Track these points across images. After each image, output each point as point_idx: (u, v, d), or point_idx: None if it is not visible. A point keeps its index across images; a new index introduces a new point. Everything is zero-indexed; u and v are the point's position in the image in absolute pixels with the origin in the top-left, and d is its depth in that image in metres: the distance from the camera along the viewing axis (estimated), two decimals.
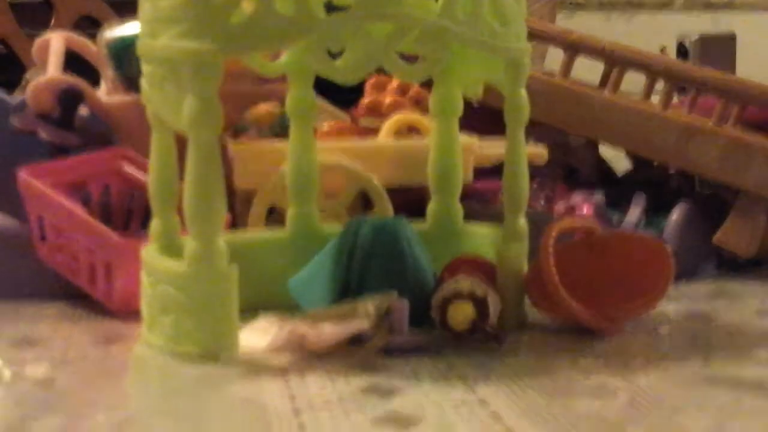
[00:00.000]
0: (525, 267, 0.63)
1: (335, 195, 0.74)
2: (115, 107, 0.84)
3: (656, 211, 0.81)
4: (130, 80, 0.83)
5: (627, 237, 0.67)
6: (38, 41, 0.92)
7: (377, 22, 0.58)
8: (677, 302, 0.68)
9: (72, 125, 0.82)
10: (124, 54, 0.83)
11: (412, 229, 0.64)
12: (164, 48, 0.56)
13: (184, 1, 0.55)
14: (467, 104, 0.72)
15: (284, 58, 0.68)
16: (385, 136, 0.79)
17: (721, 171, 0.78)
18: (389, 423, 0.46)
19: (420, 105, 0.82)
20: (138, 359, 0.57)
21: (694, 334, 0.61)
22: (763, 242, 0.77)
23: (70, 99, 0.82)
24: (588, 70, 0.94)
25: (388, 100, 0.83)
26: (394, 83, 0.84)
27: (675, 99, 0.84)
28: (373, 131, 0.81)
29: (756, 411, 0.48)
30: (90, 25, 1.13)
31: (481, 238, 0.69)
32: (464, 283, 0.58)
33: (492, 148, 0.79)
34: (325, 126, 0.79)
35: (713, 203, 0.82)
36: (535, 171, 0.73)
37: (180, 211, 0.59)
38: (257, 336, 0.56)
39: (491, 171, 0.79)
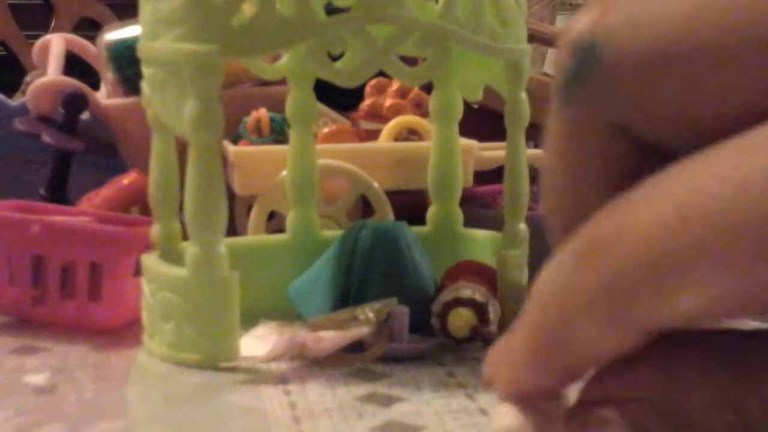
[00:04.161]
0: (526, 272, 0.63)
1: (335, 199, 0.74)
2: (114, 110, 0.84)
3: None
4: (130, 83, 0.83)
5: None
6: (38, 43, 0.92)
7: (378, 24, 0.58)
8: None
9: (76, 130, 0.82)
10: (124, 56, 0.83)
11: (413, 233, 0.64)
12: (165, 50, 0.56)
13: (184, 3, 0.55)
14: (467, 107, 0.72)
15: (284, 60, 0.68)
16: (385, 140, 0.79)
17: None
18: (389, 431, 0.47)
19: (420, 108, 0.82)
20: (139, 367, 0.57)
21: None
22: None
23: (74, 103, 0.82)
24: None
25: (388, 102, 0.83)
26: (394, 86, 0.84)
27: None
28: (374, 134, 0.81)
29: None
30: (90, 28, 1.13)
31: (481, 242, 0.69)
32: (465, 289, 0.58)
33: (492, 152, 0.79)
34: (325, 129, 0.79)
35: None
36: (534, 174, 0.73)
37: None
38: (257, 343, 0.56)
39: (491, 175, 0.80)
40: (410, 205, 0.75)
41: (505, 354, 0.28)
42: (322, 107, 0.81)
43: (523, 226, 0.64)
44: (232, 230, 0.75)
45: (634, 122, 0.24)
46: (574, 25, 0.25)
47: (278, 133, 0.78)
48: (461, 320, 0.58)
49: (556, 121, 0.26)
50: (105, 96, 0.87)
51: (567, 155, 0.26)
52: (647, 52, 0.24)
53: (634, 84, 0.24)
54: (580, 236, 0.24)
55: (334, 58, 0.59)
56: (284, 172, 0.69)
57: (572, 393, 0.27)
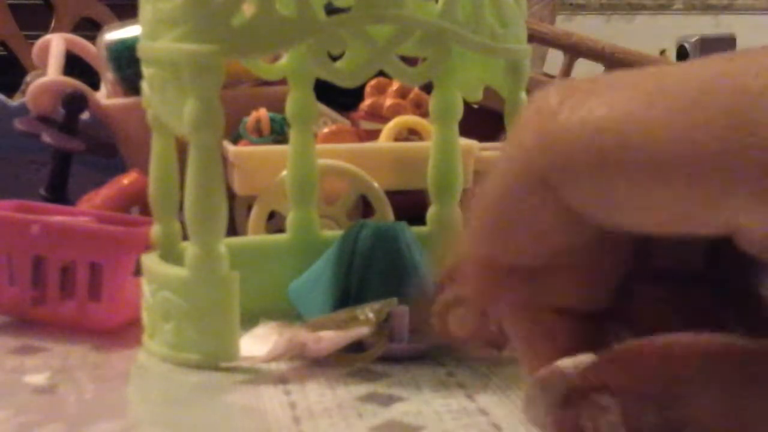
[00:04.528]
0: None
1: (335, 199, 0.74)
2: (114, 110, 0.84)
3: None
4: (130, 83, 0.83)
5: None
6: (38, 43, 0.92)
7: (378, 24, 0.58)
8: None
9: (76, 130, 0.82)
10: (124, 56, 0.83)
11: (413, 233, 0.64)
12: (165, 50, 0.56)
13: (184, 3, 0.55)
14: (467, 107, 0.72)
15: (284, 60, 0.68)
16: (385, 140, 0.79)
17: None
18: (389, 431, 0.47)
19: (420, 108, 0.82)
20: (139, 367, 0.57)
21: None
22: None
23: (74, 103, 0.82)
24: (588, 73, 0.94)
25: (388, 102, 0.83)
26: (394, 86, 0.84)
27: None
28: (374, 134, 0.81)
29: None
30: (90, 28, 1.13)
31: None
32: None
33: (492, 152, 0.79)
34: (325, 129, 0.79)
35: None
36: None
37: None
38: (257, 343, 0.56)
39: None
40: (410, 205, 0.75)
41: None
42: (322, 107, 0.81)
43: None
44: (232, 230, 0.75)
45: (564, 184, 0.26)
46: (547, 92, 0.27)
47: (278, 133, 0.78)
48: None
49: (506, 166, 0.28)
50: (105, 96, 0.87)
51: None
52: (595, 130, 0.25)
53: (578, 154, 0.25)
54: (520, 121, 0.26)
55: (334, 58, 0.59)
56: (284, 172, 0.69)
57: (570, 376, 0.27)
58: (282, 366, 0.55)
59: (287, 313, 0.62)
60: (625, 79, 0.25)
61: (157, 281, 0.58)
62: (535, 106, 0.26)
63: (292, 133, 0.69)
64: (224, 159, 0.67)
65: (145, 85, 0.60)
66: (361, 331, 0.55)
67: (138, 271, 0.60)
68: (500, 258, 0.27)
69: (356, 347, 0.56)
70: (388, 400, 0.50)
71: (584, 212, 0.24)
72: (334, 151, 0.74)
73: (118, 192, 0.75)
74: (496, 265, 0.27)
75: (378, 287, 0.60)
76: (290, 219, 0.69)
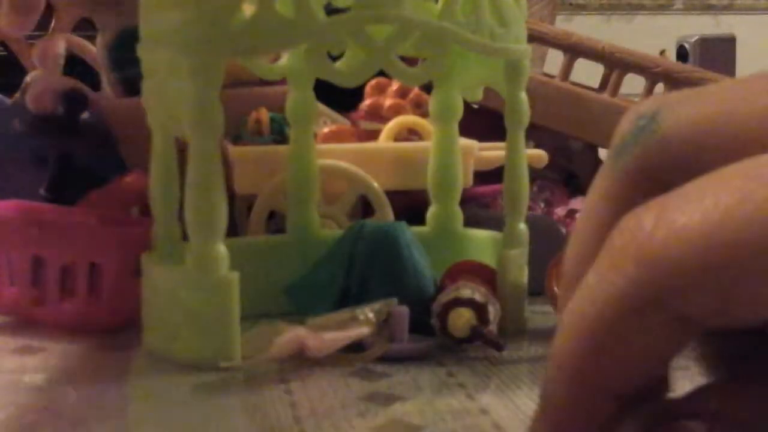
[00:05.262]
0: (525, 272, 0.63)
1: (335, 199, 0.74)
2: (114, 110, 0.84)
3: None
4: (130, 83, 0.83)
5: None
6: (39, 43, 0.92)
7: (378, 24, 0.58)
8: None
9: (76, 130, 0.82)
10: (124, 56, 0.83)
11: (412, 233, 0.64)
12: (165, 51, 0.56)
13: (185, 3, 0.55)
14: (467, 107, 0.72)
15: (284, 60, 0.68)
16: (385, 140, 0.79)
17: None
18: (391, 431, 0.47)
19: (420, 108, 0.82)
20: (138, 367, 0.57)
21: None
22: None
23: (74, 103, 0.82)
24: (588, 73, 0.94)
25: (388, 103, 0.83)
26: (394, 86, 0.84)
27: None
28: (374, 134, 0.81)
29: None
30: (90, 28, 1.13)
31: (481, 242, 0.69)
32: (465, 289, 0.58)
33: (492, 151, 0.79)
34: (325, 129, 0.79)
35: None
36: (534, 174, 0.73)
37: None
38: (257, 343, 0.56)
39: (491, 175, 0.80)
40: (410, 205, 0.75)
41: (545, 402, 0.26)
42: (322, 107, 0.81)
43: (523, 226, 0.64)
44: (232, 230, 0.75)
45: (675, 184, 0.24)
46: (641, 104, 0.27)
47: (278, 133, 0.78)
48: (461, 320, 0.58)
49: (604, 175, 0.27)
50: (105, 96, 0.86)
51: (605, 205, 0.27)
52: (702, 121, 0.25)
53: (684, 149, 0.25)
54: (614, 247, 0.24)
55: (334, 58, 0.59)
56: (284, 172, 0.69)
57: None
58: (283, 366, 0.55)
59: (287, 313, 0.62)
60: (712, 179, 0.23)
61: (157, 281, 0.58)
62: (629, 231, 0.24)
63: (292, 133, 0.69)
64: (224, 159, 0.67)
65: (144, 86, 0.60)
66: (361, 331, 0.55)
67: (138, 271, 0.60)
68: (605, 384, 0.25)
69: (356, 347, 0.56)
70: (388, 400, 0.50)
71: (704, 320, 0.23)
72: (334, 151, 0.74)
73: (118, 192, 0.75)
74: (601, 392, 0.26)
75: (378, 287, 0.60)
76: (290, 219, 0.69)
